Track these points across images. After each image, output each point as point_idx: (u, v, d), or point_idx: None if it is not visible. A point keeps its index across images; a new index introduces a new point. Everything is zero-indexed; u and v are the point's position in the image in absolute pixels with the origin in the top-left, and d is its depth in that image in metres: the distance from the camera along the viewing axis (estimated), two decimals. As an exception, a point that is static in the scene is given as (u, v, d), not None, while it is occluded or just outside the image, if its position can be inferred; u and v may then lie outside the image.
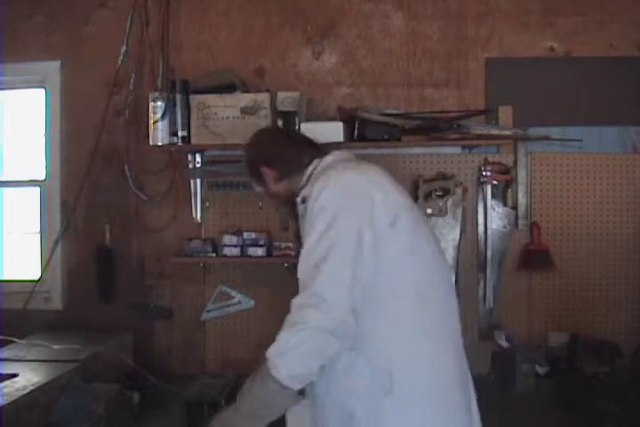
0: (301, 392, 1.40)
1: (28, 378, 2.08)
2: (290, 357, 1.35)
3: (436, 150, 2.76)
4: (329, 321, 1.34)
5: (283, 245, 2.70)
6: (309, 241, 1.43)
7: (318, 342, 1.35)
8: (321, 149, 1.75)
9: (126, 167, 2.85)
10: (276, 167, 1.74)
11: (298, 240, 1.67)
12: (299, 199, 1.63)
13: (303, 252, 1.44)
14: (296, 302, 1.38)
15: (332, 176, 1.53)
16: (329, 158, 1.67)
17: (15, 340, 2.55)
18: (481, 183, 2.72)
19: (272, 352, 1.38)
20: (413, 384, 1.46)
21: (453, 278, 1.74)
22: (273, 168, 1.74)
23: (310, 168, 1.67)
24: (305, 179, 1.67)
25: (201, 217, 2.84)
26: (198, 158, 2.80)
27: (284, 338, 1.36)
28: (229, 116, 2.58)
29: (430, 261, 1.56)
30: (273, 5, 2.83)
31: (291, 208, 1.72)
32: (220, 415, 1.45)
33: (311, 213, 1.48)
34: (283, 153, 1.75)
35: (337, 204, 1.45)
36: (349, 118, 2.55)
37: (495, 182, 2.72)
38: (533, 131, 2.67)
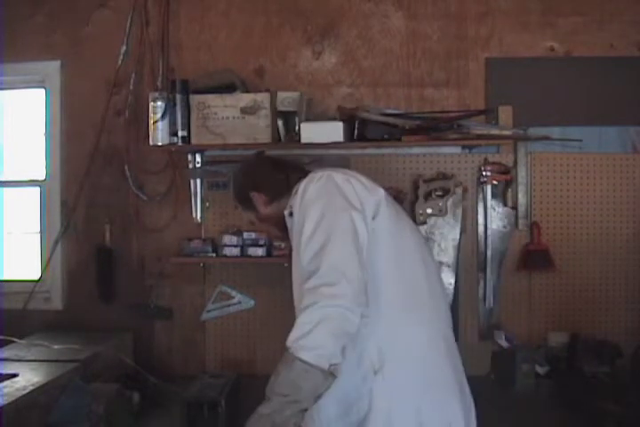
0: (331, 373, 1.36)
1: (27, 378, 2.08)
2: (311, 337, 1.32)
3: (436, 150, 2.76)
4: (344, 297, 1.33)
5: (283, 245, 2.70)
6: (306, 231, 1.44)
7: (336, 320, 1.33)
8: (306, 172, 1.76)
9: (126, 167, 2.85)
10: (265, 191, 1.80)
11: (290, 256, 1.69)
12: (286, 212, 1.64)
13: (303, 243, 1.44)
14: (309, 285, 1.36)
15: (309, 178, 1.57)
16: (311, 174, 1.68)
17: (15, 340, 2.55)
18: (481, 183, 2.72)
19: (292, 338, 1.34)
20: (403, 363, 1.47)
21: (439, 271, 1.76)
22: (261, 192, 1.81)
23: (295, 189, 1.66)
24: (291, 197, 1.67)
25: (201, 217, 2.84)
26: (198, 158, 2.80)
27: (302, 320, 1.34)
28: (229, 116, 2.58)
29: (415, 252, 1.59)
30: (273, 5, 2.83)
31: (281, 229, 1.73)
32: (252, 417, 1.39)
33: (297, 211, 1.52)
34: (270, 177, 1.82)
35: (325, 194, 1.49)
36: (349, 118, 2.55)
37: (495, 182, 2.72)
38: (533, 131, 2.67)
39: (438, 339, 1.56)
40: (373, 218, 1.50)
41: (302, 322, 1.33)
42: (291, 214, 1.60)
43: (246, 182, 1.87)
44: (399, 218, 1.60)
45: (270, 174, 1.83)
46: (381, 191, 1.58)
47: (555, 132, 2.70)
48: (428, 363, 1.51)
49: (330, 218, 1.44)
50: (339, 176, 1.54)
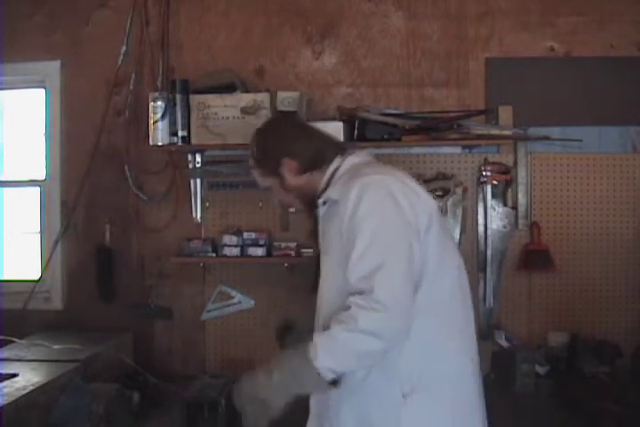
0: (334, 383, 1.40)
1: (27, 378, 2.08)
2: (333, 351, 1.34)
3: (436, 150, 2.76)
4: (388, 329, 1.32)
5: (283, 245, 2.71)
6: (359, 246, 1.37)
7: (370, 351, 1.34)
8: (341, 147, 1.69)
9: (126, 167, 2.85)
10: (300, 159, 1.62)
11: (314, 239, 1.63)
12: (320, 201, 1.56)
13: (354, 257, 1.37)
14: (359, 302, 1.32)
15: (365, 182, 1.45)
16: (351, 160, 1.61)
17: (15, 340, 2.55)
18: (481, 183, 2.72)
19: (320, 341, 1.35)
20: (435, 392, 1.44)
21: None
22: (295, 159, 1.62)
23: (332, 167, 1.60)
24: (326, 179, 1.60)
25: (201, 217, 2.84)
26: (198, 158, 2.80)
27: (335, 332, 1.34)
28: (229, 116, 2.58)
29: (456, 270, 1.55)
30: (273, 5, 2.83)
31: (306, 205, 1.65)
32: (250, 378, 1.43)
33: (347, 220, 1.42)
34: (308, 145, 1.64)
35: (380, 210, 1.40)
36: (349, 118, 2.55)
37: (495, 182, 2.72)
38: (533, 131, 2.67)
39: (470, 369, 1.53)
40: (427, 231, 1.45)
41: (333, 333, 1.34)
42: (324, 203, 1.54)
43: (279, 146, 1.65)
44: (444, 233, 1.54)
45: (308, 142, 1.65)
46: (433, 202, 1.52)
47: (555, 132, 2.70)
48: (459, 394, 1.49)
49: (386, 238, 1.38)
50: (395, 186, 1.45)
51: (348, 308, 1.34)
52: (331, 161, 1.61)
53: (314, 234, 1.63)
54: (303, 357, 1.35)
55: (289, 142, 1.65)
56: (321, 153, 1.63)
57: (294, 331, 1.83)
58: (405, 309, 1.34)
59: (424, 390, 1.43)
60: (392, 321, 1.32)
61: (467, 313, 1.56)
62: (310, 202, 1.62)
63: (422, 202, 1.48)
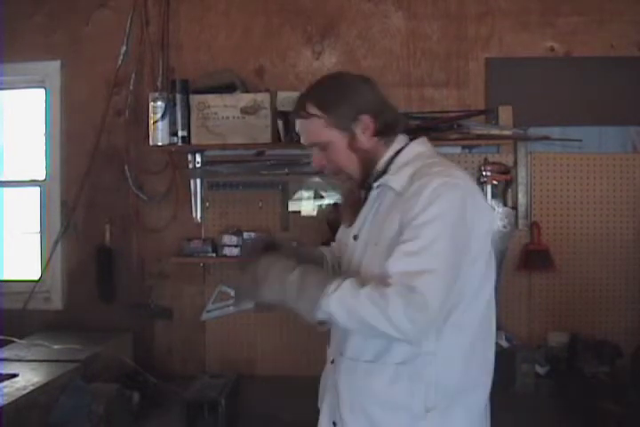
0: (322, 323, 1.39)
1: (27, 378, 2.08)
2: (346, 305, 1.27)
3: (436, 150, 2.75)
4: (405, 322, 1.24)
5: (283, 245, 2.70)
6: (416, 246, 1.28)
7: (377, 323, 1.25)
8: (405, 123, 1.57)
9: (126, 167, 2.85)
10: (381, 121, 1.45)
11: (350, 218, 1.52)
12: (376, 184, 1.44)
13: (406, 251, 1.29)
14: (400, 289, 1.24)
15: (442, 183, 1.33)
16: (415, 147, 1.49)
17: (15, 340, 2.55)
18: (481, 183, 2.72)
19: (345, 287, 1.28)
20: (461, 409, 1.40)
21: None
22: (376, 119, 1.45)
23: (394, 146, 1.48)
24: (387, 158, 1.47)
25: (201, 217, 2.83)
26: (198, 158, 2.80)
27: (363, 294, 1.26)
28: (229, 116, 2.58)
29: (492, 288, 1.47)
30: (273, 5, 2.83)
31: (360, 176, 1.49)
32: (275, 261, 1.41)
33: (413, 215, 1.31)
34: (386, 107, 1.48)
35: (449, 217, 1.31)
36: (349, 118, 2.54)
37: (495, 182, 2.72)
38: (533, 131, 2.67)
39: (489, 386, 1.48)
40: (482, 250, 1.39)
41: (362, 298, 1.25)
42: (378, 187, 1.43)
43: (361, 100, 1.45)
44: (491, 251, 1.46)
45: (387, 105, 1.49)
46: (492, 216, 1.51)
47: (555, 132, 2.70)
48: (474, 411, 1.45)
49: (445, 247, 1.29)
50: (469, 195, 1.36)
51: (387, 284, 1.26)
52: (394, 137, 1.49)
53: (354, 211, 1.51)
54: (322, 284, 1.30)
55: (369, 98, 1.46)
56: (396, 121, 1.49)
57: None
58: (435, 320, 1.28)
59: (446, 406, 1.38)
60: (417, 324, 1.25)
61: (492, 330, 1.50)
62: (366, 174, 1.48)
63: (484, 216, 1.41)
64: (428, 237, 1.28)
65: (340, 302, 1.28)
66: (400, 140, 1.50)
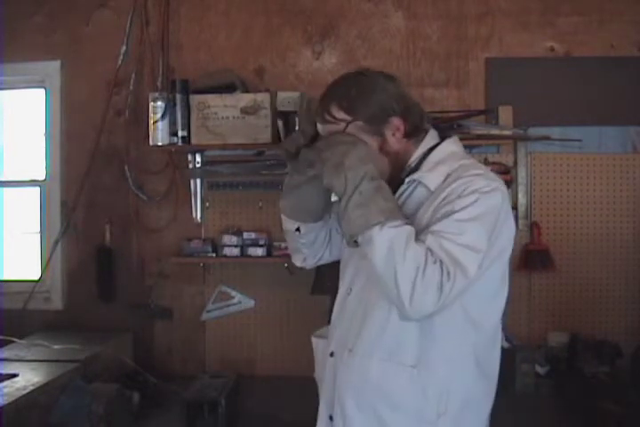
0: (355, 242, 1.29)
1: (27, 378, 2.08)
2: (392, 247, 1.22)
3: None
4: (423, 301, 1.21)
5: (283, 245, 2.70)
6: (464, 239, 1.25)
7: (402, 284, 1.21)
8: (429, 120, 1.52)
9: (126, 167, 2.85)
10: (410, 122, 1.39)
11: None
12: (407, 179, 1.39)
13: (453, 228, 1.26)
14: (451, 253, 1.22)
15: (484, 185, 1.31)
16: (449, 146, 1.45)
17: (15, 340, 2.55)
18: (481, 183, 2.72)
19: (404, 231, 1.24)
20: (465, 411, 1.38)
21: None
22: (406, 121, 1.39)
23: (426, 144, 1.44)
24: (419, 155, 1.43)
25: (201, 217, 2.83)
26: (198, 158, 2.79)
27: (415, 251, 1.21)
28: (229, 116, 2.58)
29: (506, 294, 1.48)
30: (273, 5, 2.83)
31: (392, 177, 1.43)
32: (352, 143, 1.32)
33: (461, 208, 1.27)
34: (414, 107, 1.42)
35: (487, 218, 1.30)
36: (349, 118, 2.54)
37: (495, 182, 2.71)
38: (533, 131, 2.67)
39: (494, 391, 1.46)
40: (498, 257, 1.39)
41: (411, 249, 1.21)
42: (411, 182, 1.39)
43: (391, 101, 1.38)
44: (508, 259, 1.47)
45: (414, 106, 1.43)
46: (514, 226, 1.46)
47: (555, 132, 2.70)
48: (480, 417, 1.44)
49: (484, 246, 1.29)
50: (505, 201, 1.35)
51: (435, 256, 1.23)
52: (423, 133, 1.44)
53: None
54: (388, 212, 1.24)
55: (401, 99, 1.39)
56: (423, 119, 1.44)
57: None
58: (456, 294, 1.24)
59: (458, 412, 1.36)
60: (453, 286, 1.21)
61: (499, 338, 1.51)
62: (396, 174, 1.43)
63: (512, 223, 1.43)
64: (472, 234, 1.26)
65: (389, 240, 1.22)
66: (431, 136, 1.46)
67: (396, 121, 1.38)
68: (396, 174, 1.43)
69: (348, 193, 1.27)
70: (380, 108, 1.37)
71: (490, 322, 1.43)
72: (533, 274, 2.74)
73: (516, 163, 2.73)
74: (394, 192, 1.38)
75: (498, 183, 1.34)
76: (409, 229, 1.25)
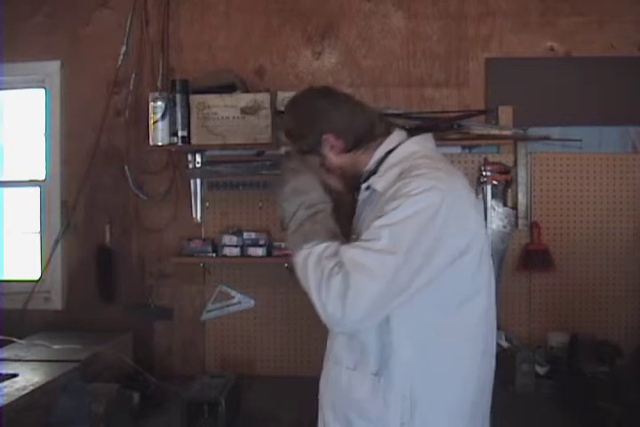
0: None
1: (27, 378, 2.08)
2: (304, 266, 1.32)
3: (436, 149, 2.75)
4: (336, 311, 1.23)
5: (283, 245, 2.70)
6: (378, 245, 1.24)
7: (315, 300, 1.27)
8: (389, 123, 1.52)
9: (126, 167, 2.85)
10: (345, 136, 1.45)
11: (348, 223, 1.48)
12: (364, 185, 1.42)
13: (367, 245, 1.26)
14: (345, 274, 1.23)
15: (420, 185, 1.27)
16: (410, 146, 1.44)
17: (15, 340, 2.55)
18: (481, 183, 2.72)
19: (318, 250, 1.31)
20: (433, 418, 1.35)
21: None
22: (340, 137, 1.45)
23: (383, 148, 1.44)
24: (376, 159, 1.44)
25: (201, 217, 2.83)
26: (198, 158, 2.79)
27: (320, 266, 1.28)
28: (229, 116, 2.58)
29: (487, 298, 1.40)
30: (273, 5, 2.83)
31: (347, 184, 1.50)
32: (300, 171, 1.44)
33: (384, 213, 1.27)
34: (354, 121, 1.46)
35: (424, 217, 1.25)
36: (349, 118, 2.54)
37: (495, 182, 2.72)
38: (533, 131, 2.67)
39: (484, 400, 1.42)
40: (465, 253, 1.31)
41: (325, 271, 1.26)
42: (367, 188, 1.41)
43: (322, 121, 1.46)
44: (482, 259, 1.36)
45: (354, 118, 1.46)
46: (481, 228, 1.37)
47: (555, 132, 2.70)
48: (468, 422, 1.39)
49: (411, 246, 1.24)
50: (455, 198, 1.29)
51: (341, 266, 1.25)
52: (380, 138, 1.46)
53: (349, 217, 1.48)
54: (311, 236, 1.33)
55: (331, 117, 1.45)
56: (369, 129, 1.46)
57: None
58: (379, 309, 1.24)
59: (423, 421, 1.33)
60: (339, 317, 1.24)
61: (489, 342, 1.43)
62: (353, 184, 1.47)
63: (465, 227, 1.31)
64: (390, 238, 1.23)
65: (303, 259, 1.32)
66: (393, 139, 1.46)
67: (330, 139, 1.46)
68: (356, 182, 1.49)
69: (286, 222, 1.40)
70: (313, 129, 1.47)
71: (460, 330, 1.36)
72: (533, 274, 2.74)
73: (515, 163, 2.73)
74: (355, 201, 1.48)
75: (435, 182, 1.28)
76: (322, 247, 1.31)
